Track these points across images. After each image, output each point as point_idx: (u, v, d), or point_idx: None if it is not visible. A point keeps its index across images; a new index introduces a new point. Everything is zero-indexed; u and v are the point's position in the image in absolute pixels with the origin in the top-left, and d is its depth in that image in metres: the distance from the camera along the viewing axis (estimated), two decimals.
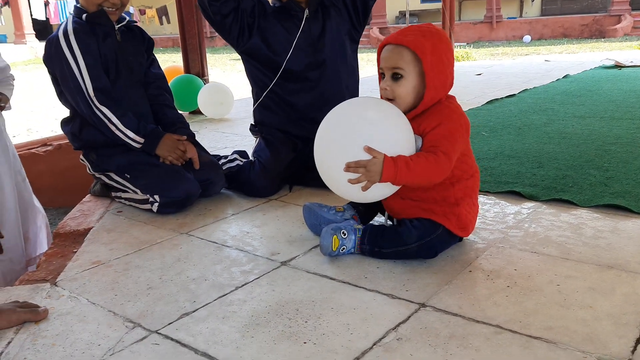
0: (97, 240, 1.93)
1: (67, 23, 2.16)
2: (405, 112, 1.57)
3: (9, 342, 1.31)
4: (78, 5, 2.19)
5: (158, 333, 1.32)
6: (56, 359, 1.24)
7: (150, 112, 2.33)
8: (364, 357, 1.19)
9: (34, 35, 18.36)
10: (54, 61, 2.15)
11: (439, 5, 10.81)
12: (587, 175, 2.32)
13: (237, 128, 3.92)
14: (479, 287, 1.47)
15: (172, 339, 1.30)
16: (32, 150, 3.55)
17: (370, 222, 1.83)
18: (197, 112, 4.54)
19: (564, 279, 1.48)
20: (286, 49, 2.31)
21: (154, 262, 1.72)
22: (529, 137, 3.08)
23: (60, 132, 2.71)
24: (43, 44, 3.11)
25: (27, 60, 16.55)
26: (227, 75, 10.28)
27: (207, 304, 1.44)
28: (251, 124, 2.57)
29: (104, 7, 2.15)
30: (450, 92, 1.64)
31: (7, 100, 2.32)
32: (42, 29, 18.60)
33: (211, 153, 2.46)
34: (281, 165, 2.31)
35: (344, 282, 1.53)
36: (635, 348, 1.18)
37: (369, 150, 1.47)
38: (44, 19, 17.02)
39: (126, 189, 2.22)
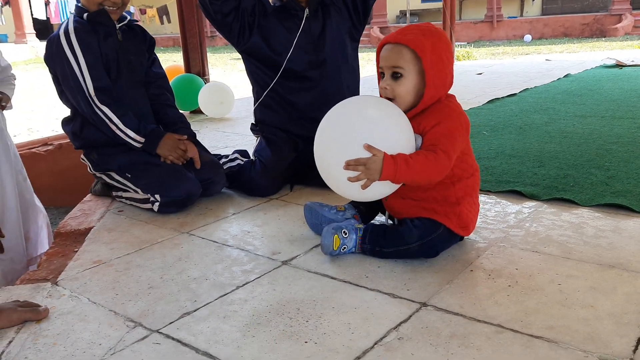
0: (98, 240, 1.93)
1: (68, 22, 2.16)
2: (405, 111, 1.57)
3: (10, 342, 1.31)
4: (79, 4, 2.19)
5: (159, 332, 1.32)
6: (57, 358, 1.24)
7: (151, 112, 2.33)
8: (365, 356, 1.19)
9: (35, 35, 18.37)
10: (55, 60, 2.15)
11: (439, 4, 10.80)
12: (588, 175, 2.32)
13: (237, 127, 3.91)
14: (480, 286, 1.47)
15: (173, 339, 1.30)
16: (33, 150, 3.55)
17: (371, 222, 1.83)
18: (197, 111, 4.54)
19: (565, 278, 1.48)
20: (286, 48, 2.31)
21: (154, 262, 1.72)
22: (530, 137, 3.08)
23: (61, 131, 2.71)
24: (44, 43, 3.11)
25: (28, 59, 16.56)
26: (228, 74, 10.27)
27: (208, 304, 1.44)
28: (252, 123, 2.57)
29: (105, 7, 2.15)
30: (451, 91, 1.64)
31: (8, 99, 2.32)
32: (43, 28, 18.59)
33: (212, 152, 2.46)
34: (282, 164, 2.31)
35: (345, 282, 1.53)
36: (636, 347, 1.17)
37: (368, 148, 1.46)
38: (45, 18, 17.00)
39: (127, 189, 2.22)
